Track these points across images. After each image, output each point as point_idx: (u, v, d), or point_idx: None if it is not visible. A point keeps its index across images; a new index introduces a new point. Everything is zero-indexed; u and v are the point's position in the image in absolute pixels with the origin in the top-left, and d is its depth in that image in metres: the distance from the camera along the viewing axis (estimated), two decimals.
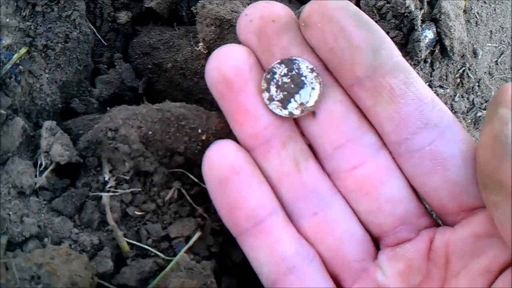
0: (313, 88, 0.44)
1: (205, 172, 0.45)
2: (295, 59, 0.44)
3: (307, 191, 0.45)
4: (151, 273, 0.47)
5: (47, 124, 0.50)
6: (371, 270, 0.45)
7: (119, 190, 0.49)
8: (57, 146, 0.49)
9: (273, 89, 0.44)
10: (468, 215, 0.42)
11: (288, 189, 0.45)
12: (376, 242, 0.47)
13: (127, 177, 0.49)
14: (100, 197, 0.49)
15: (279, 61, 0.44)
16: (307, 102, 0.44)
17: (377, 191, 0.44)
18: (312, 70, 0.44)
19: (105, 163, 0.49)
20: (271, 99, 0.44)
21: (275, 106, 0.44)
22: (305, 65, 0.44)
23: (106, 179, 0.49)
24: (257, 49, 0.45)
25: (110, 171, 0.49)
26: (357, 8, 0.43)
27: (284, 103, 0.44)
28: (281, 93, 0.44)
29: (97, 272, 0.45)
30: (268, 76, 0.44)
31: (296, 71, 0.44)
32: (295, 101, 0.44)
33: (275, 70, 0.44)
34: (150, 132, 0.48)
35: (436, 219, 0.46)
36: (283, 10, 0.44)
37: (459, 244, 0.41)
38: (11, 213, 0.45)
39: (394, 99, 0.42)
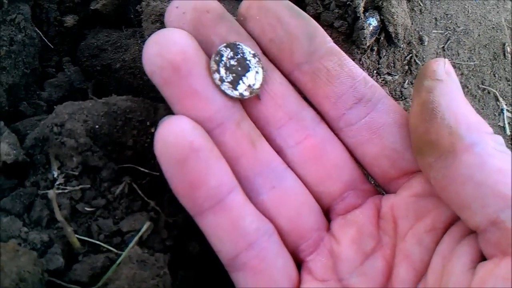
0: (257, 72, 0.45)
1: (159, 152, 0.43)
2: (238, 44, 0.45)
3: (264, 167, 0.46)
4: (103, 268, 0.46)
5: None
6: (326, 239, 0.46)
7: (68, 187, 0.48)
8: (3, 145, 0.48)
9: (222, 70, 0.44)
10: (408, 179, 0.45)
11: (246, 166, 0.46)
12: (327, 215, 0.48)
13: (76, 173, 0.48)
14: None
15: (225, 44, 0.45)
16: (253, 85, 0.45)
17: (323, 158, 0.47)
18: (254, 55, 0.45)
19: (53, 159, 0.48)
20: (222, 80, 0.44)
21: (226, 87, 0.44)
22: (248, 50, 0.45)
23: (55, 175, 0.48)
24: (195, 37, 0.45)
25: (59, 168, 0.48)
26: (289, 1, 0.46)
27: (234, 84, 0.45)
28: (230, 75, 0.45)
29: (47, 269, 0.44)
30: (217, 58, 0.44)
31: (241, 55, 0.45)
32: (243, 83, 0.45)
33: (222, 52, 0.45)
34: (97, 126, 0.48)
35: (378, 188, 0.49)
36: (215, 3, 0.46)
37: (403, 205, 0.44)
38: None
39: (331, 80, 0.46)
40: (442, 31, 0.67)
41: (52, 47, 0.60)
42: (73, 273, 0.46)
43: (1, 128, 0.49)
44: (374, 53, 0.60)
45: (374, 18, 0.58)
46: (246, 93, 0.45)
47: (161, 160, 0.43)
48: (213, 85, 0.44)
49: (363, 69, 0.50)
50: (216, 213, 0.44)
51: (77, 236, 0.47)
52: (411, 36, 0.64)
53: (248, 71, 0.45)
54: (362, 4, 0.56)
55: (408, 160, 0.45)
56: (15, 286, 0.40)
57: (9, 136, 0.49)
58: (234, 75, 0.45)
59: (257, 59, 0.45)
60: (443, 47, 0.66)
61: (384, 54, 0.61)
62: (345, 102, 0.46)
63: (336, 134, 0.48)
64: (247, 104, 0.47)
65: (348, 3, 0.56)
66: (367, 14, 0.58)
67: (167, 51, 0.43)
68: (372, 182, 0.50)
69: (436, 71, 0.41)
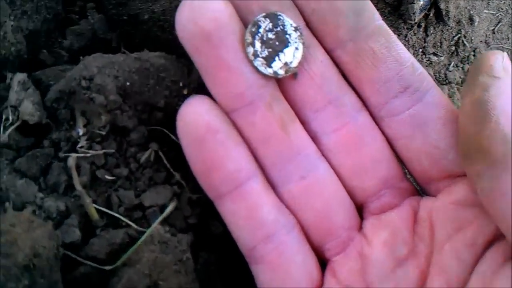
0: (296, 48, 0.42)
1: (180, 130, 0.42)
2: (280, 15, 0.41)
3: (295, 154, 0.43)
4: (122, 245, 0.44)
5: (20, 77, 0.46)
6: (356, 240, 0.44)
7: (90, 151, 0.45)
8: (27, 103, 0.45)
9: (258, 44, 0.41)
10: (451, 183, 0.42)
11: (275, 152, 0.43)
12: (360, 213, 0.46)
13: (103, 133, 0.45)
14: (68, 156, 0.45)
15: (264, 14, 0.41)
16: (291, 62, 0.42)
17: (361, 151, 0.44)
18: (296, 29, 0.42)
19: (78, 116, 0.45)
20: (255, 55, 0.41)
21: (259, 63, 0.41)
22: (289, 23, 0.42)
23: (80, 133, 0.45)
24: (232, 3, 0.41)
25: (85, 126, 0.45)
26: None
27: (269, 60, 0.41)
28: (266, 49, 0.41)
29: (63, 242, 0.42)
30: (253, 30, 0.41)
31: (281, 27, 0.41)
32: (280, 60, 0.42)
33: (260, 23, 0.41)
34: (128, 83, 0.45)
35: (417, 188, 0.46)
36: None
37: (442, 212, 0.41)
38: None
39: (376, 63, 0.42)
40: (494, 12, 0.63)
41: None
42: (90, 248, 0.43)
43: (25, 83, 0.46)
44: (421, 30, 0.57)
45: None
46: (281, 72, 0.42)
47: (181, 139, 0.42)
48: (246, 59, 0.41)
49: (408, 47, 0.48)
50: (234, 199, 0.42)
51: (96, 206, 0.44)
52: (461, 14, 0.60)
53: (287, 46, 0.42)
54: None
55: (452, 161, 0.41)
56: (28, 261, 0.38)
57: (33, 94, 0.45)
58: (270, 50, 0.41)
59: (298, 33, 0.42)
60: (493, 29, 0.63)
61: (431, 32, 0.58)
62: (389, 89, 0.42)
63: (377, 123, 0.44)
64: (283, 83, 0.44)
65: None
66: None
67: (199, 17, 0.40)
68: (411, 180, 0.48)
69: (494, 66, 0.37)
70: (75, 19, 0.56)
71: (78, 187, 0.43)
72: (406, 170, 0.45)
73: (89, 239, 0.44)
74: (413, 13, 0.54)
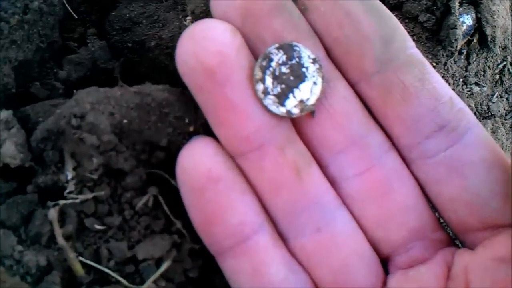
0: (315, 83, 0.38)
1: (178, 177, 0.40)
2: (296, 45, 0.37)
3: (310, 203, 0.39)
4: None
5: (3, 115, 0.42)
6: None
7: (79, 196, 0.40)
8: (9, 145, 0.41)
9: (269, 80, 0.37)
10: (492, 234, 0.38)
11: (287, 201, 0.39)
12: (385, 265, 0.42)
13: (95, 177, 0.40)
14: (54, 204, 0.40)
15: (277, 45, 0.37)
16: (307, 100, 0.38)
17: (387, 198, 0.40)
18: (314, 61, 0.38)
19: (67, 158, 0.40)
20: (266, 92, 0.37)
21: (270, 102, 0.37)
22: (307, 54, 0.37)
23: (69, 177, 0.40)
24: (242, 30, 0.37)
25: (74, 169, 0.40)
26: None
27: (282, 98, 0.37)
28: (278, 86, 0.37)
29: None
30: (264, 64, 0.37)
31: (297, 60, 0.37)
32: (294, 97, 0.38)
33: (272, 56, 0.37)
34: (125, 121, 0.40)
35: (453, 238, 0.42)
36: None
37: (481, 270, 0.37)
38: None
39: (407, 99, 0.39)
40: None
41: (76, 16, 0.52)
42: None
43: (9, 121, 0.41)
44: (462, 57, 0.54)
45: (469, 16, 0.52)
46: (296, 111, 0.38)
47: (180, 188, 0.40)
48: (255, 97, 0.37)
49: (448, 76, 0.44)
50: (237, 255, 0.39)
51: (82, 259, 0.40)
52: (508, 40, 0.56)
53: (303, 81, 0.38)
54: None
55: (495, 210, 0.37)
56: None
57: (17, 134, 0.41)
58: (283, 86, 0.37)
59: (317, 65, 0.38)
60: None
61: (474, 59, 0.55)
62: (422, 128, 0.39)
63: (407, 165, 0.41)
64: (299, 121, 0.40)
65: None
66: (460, 9, 0.52)
67: (202, 50, 0.36)
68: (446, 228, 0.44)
69: None
70: (73, 47, 0.53)
71: (61, 241, 0.39)
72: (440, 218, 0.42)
73: None
74: (455, 39, 0.50)
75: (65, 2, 0.50)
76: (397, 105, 0.39)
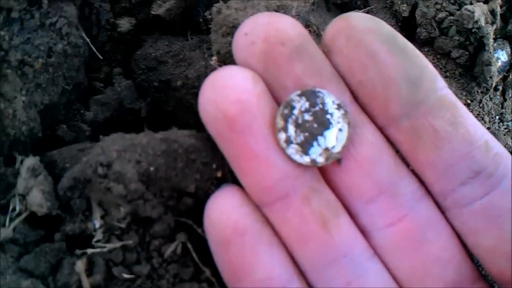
0: (340, 130, 0.36)
1: (206, 229, 0.39)
2: (319, 91, 0.36)
3: (339, 256, 0.38)
4: None
5: (30, 162, 0.42)
6: None
7: (107, 245, 0.39)
8: (36, 192, 0.41)
9: (291, 128, 0.36)
10: None
11: (314, 254, 0.38)
12: None
13: (123, 225, 0.39)
14: (82, 253, 0.39)
15: (299, 92, 0.36)
16: (333, 147, 0.36)
17: (422, 250, 0.38)
18: (339, 107, 0.36)
19: (95, 206, 0.40)
20: (289, 141, 0.36)
21: (293, 151, 0.36)
22: (331, 100, 0.36)
23: (97, 226, 0.40)
24: (263, 76, 0.36)
25: (102, 217, 0.39)
26: (392, 29, 0.37)
27: (306, 147, 0.36)
28: (301, 134, 0.36)
29: None
30: (286, 112, 0.36)
31: (320, 106, 0.36)
32: (319, 145, 0.36)
33: (294, 104, 0.36)
34: (152, 168, 0.39)
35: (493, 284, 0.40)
36: (294, 28, 0.36)
37: None
38: None
39: (438, 144, 0.36)
40: None
41: (101, 57, 0.51)
42: None
43: (36, 169, 0.41)
44: (498, 93, 0.53)
45: (504, 51, 0.51)
46: (321, 159, 0.36)
47: (208, 238, 0.39)
48: (277, 147, 0.36)
49: (483, 114, 0.42)
50: None
51: None
52: None
53: (328, 128, 0.36)
54: (491, 33, 0.48)
55: None
56: None
57: (44, 182, 0.41)
58: (307, 134, 0.36)
59: (342, 111, 0.36)
60: None
61: (510, 96, 0.53)
62: (456, 175, 0.37)
63: (442, 214, 0.39)
64: (326, 170, 0.38)
65: (473, 29, 0.48)
66: (495, 45, 0.51)
67: (222, 98, 0.35)
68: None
69: None
70: (99, 88, 0.52)
71: None
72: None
73: None
74: (490, 76, 0.48)
75: (89, 42, 0.49)
76: (428, 151, 0.37)
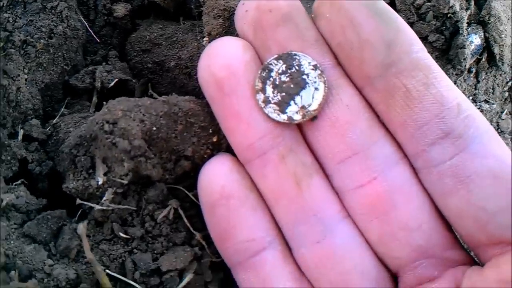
0: (316, 89, 0.38)
1: (199, 193, 0.41)
2: (295, 54, 0.38)
3: (309, 214, 0.39)
4: None
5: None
6: None
7: (111, 205, 0.41)
8: None
9: (269, 89, 0.38)
10: (501, 251, 0.35)
11: (286, 211, 0.39)
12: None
13: (125, 181, 0.41)
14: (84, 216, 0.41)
15: (276, 56, 0.38)
16: (309, 105, 0.38)
17: (389, 214, 0.38)
18: (315, 67, 0.38)
19: (99, 163, 0.41)
20: (266, 101, 0.38)
21: (271, 110, 0.38)
22: (307, 61, 0.38)
23: (100, 182, 0.41)
24: (254, 43, 0.39)
25: (105, 174, 0.41)
26: None
27: (283, 106, 0.38)
28: (278, 94, 0.38)
29: None
30: (264, 74, 0.38)
31: (297, 68, 0.38)
32: (296, 103, 0.38)
33: (271, 67, 0.38)
34: (154, 128, 0.41)
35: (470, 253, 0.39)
36: (284, 1, 0.39)
37: None
38: None
39: (410, 103, 0.36)
40: None
41: (98, 40, 0.53)
42: None
43: None
44: (471, 75, 0.54)
45: (477, 35, 0.52)
46: (297, 117, 0.38)
47: (200, 202, 0.41)
48: (257, 107, 0.38)
49: None
50: (246, 270, 0.40)
51: (109, 272, 0.41)
52: None
53: (304, 88, 0.38)
54: (466, 18, 0.49)
55: (503, 226, 0.34)
56: None
57: None
58: (283, 94, 0.38)
59: (318, 71, 0.38)
60: None
61: (483, 77, 0.55)
62: (427, 135, 0.36)
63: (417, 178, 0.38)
64: (305, 130, 0.39)
65: (449, 14, 0.49)
66: (469, 29, 0.51)
67: (214, 64, 0.39)
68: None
69: None
70: None
71: (89, 255, 0.39)
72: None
73: None
74: (464, 58, 0.49)
75: (87, 26, 0.51)
76: (400, 110, 0.37)
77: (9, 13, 0.46)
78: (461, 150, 0.36)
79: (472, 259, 0.38)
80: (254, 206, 0.39)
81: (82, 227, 0.40)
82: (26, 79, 0.46)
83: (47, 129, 0.46)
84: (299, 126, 0.39)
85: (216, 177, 0.39)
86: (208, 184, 0.39)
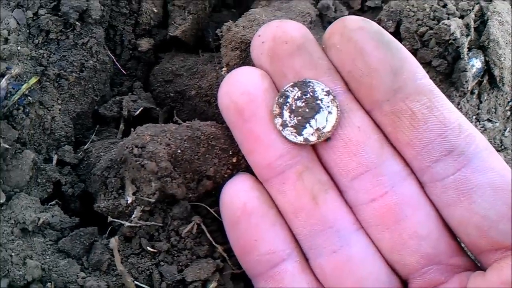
0: (329, 112, 0.41)
1: (221, 210, 0.44)
2: (309, 81, 0.41)
3: (326, 226, 0.41)
4: None
5: None
6: None
7: (140, 222, 0.44)
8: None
9: (286, 114, 0.42)
10: (502, 257, 0.38)
11: (304, 224, 0.42)
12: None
13: (152, 200, 0.44)
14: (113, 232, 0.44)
15: (292, 83, 0.42)
16: (323, 127, 0.41)
17: (400, 225, 0.41)
18: (328, 93, 0.41)
19: (128, 184, 0.44)
20: (284, 124, 0.41)
21: (289, 133, 0.41)
22: (320, 88, 0.41)
23: (129, 202, 0.44)
24: (270, 72, 0.42)
25: (134, 193, 0.44)
26: (380, 28, 0.41)
27: (299, 129, 0.41)
28: (295, 118, 0.42)
29: None
30: (281, 100, 0.42)
31: (311, 94, 0.41)
32: (311, 126, 0.41)
33: (287, 93, 0.42)
34: (179, 151, 0.45)
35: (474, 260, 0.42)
36: (298, 30, 0.42)
37: None
38: (13, 254, 0.42)
39: (415, 124, 0.40)
40: None
41: (125, 72, 0.57)
42: None
43: None
44: (474, 96, 0.55)
45: (478, 59, 0.54)
46: (313, 138, 0.41)
47: (222, 218, 0.44)
48: (275, 130, 0.42)
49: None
50: (266, 280, 0.42)
51: (138, 284, 0.44)
52: None
53: (318, 112, 0.41)
54: (466, 44, 0.51)
55: (503, 232, 0.38)
56: None
57: None
58: (300, 118, 0.42)
59: (331, 97, 0.41)
60: None
61: (485, 98, 0.56)
62: (431, 152, 0.39)
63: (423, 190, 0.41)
64: (320, 150, 0.43)
65: (450, 41, 0.51)
66: (470, 54, 0.53)
67: (234, 91, 0.42)
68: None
69: None
70: None
71: (120, 267, 0.42)
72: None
73: None
74: (466, 81, 0.51)
75: (114, 60, 0.55)
76: (406, 131, 0.40)
77: (44, 49, 0.50)
78: (463, 165, 0.39)
79: (476, 264, 0.41)
80: (273, 221, 0.42)
81: (114, 241, 0.43)
82: (59, 109, 0.50)
83: (79, 154, 0.49)
84: (314, 147, 0.42)
85: (238, 194, 0.42)
86: (230, 201, 0.42)
